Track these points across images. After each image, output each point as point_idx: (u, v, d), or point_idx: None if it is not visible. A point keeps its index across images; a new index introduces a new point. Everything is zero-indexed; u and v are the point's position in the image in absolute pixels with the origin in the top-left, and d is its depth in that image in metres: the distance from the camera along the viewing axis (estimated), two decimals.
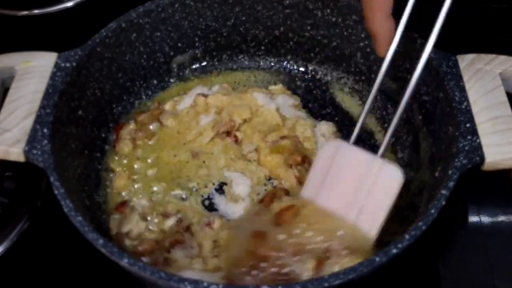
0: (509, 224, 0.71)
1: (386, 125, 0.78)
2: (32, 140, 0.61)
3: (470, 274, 0.67)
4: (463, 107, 0.63)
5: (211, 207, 0.70)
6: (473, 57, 0.67)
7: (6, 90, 0.66)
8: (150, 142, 0.75)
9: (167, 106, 0.79)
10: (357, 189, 0.62)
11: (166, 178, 0.72)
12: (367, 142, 0.77)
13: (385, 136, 0.63)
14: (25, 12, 0.94)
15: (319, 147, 0.72)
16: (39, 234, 0.69)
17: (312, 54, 0.84)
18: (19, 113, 0.63)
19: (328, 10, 0.77)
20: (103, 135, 0.76)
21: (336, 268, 0.58)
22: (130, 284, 0.63)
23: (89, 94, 0.72)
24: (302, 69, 0.86)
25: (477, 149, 0.60)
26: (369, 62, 0.78)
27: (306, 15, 0.79)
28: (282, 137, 0.73)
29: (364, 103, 0.81)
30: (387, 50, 0.63)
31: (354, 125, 0.78)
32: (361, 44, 0.77)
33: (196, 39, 0.82)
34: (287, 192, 0.69)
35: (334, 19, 0.77)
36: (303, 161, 0.71)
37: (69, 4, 0.95)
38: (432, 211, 0.55)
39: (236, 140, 0.74)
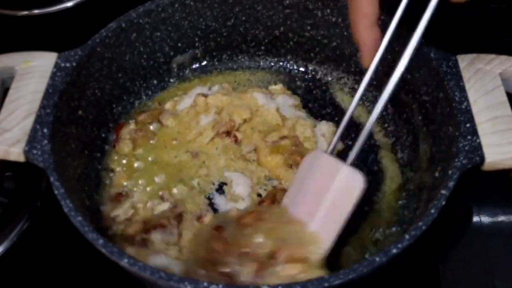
0: (509, 224, 0.71)
1: (386, 125, 0.78)
2: (32, 140, 0.61)
3: (470, 274, 0.67)
4: (463, 107, 0.63)
5: (211, 207, 0.70)
6: (473, 57, 0.67)
7: (6, 90, 0.66)
8: (150, 142, 0.75)
9: (167, 106, 0.79)
10: (323, 197, 0.62)
11: (167, 177, 0.72)
12: (366, 142, 0.77)
13: (356, 143, 0.62)
14: (25, 12, 0.94)
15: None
16: (39, 234, 0.69)
17: (312, 54, 0.84)
18: (19, 113, 0.63)
19: (328, 10, 0.77)
20: (103, 135, 0.76)
21: (275, 277, 0.58)
22: (130, 284, 0.63)
23: (89, 94, 0.72)
24: (302, 69, 0.86)
25: (477, 149, 0.60)
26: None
27: (306, 15, 0.79)
28: (282, 137, 0.73)
29: (364, 103, 0.81)
30: (371, 60, 0.61)
31: (354, 125, 0.79)
32: None
33: (196, 39, 0.82)
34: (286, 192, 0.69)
35: (334, 19, 0.77)
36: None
37: (69, 4, 0.95)
38: (432, 211, 0.55)
39: (236, 140, 0.74)
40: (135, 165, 0.73)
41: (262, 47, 0.85)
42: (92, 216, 0.68)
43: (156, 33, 0.78)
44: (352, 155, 0.62)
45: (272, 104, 0.77)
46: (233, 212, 0.68)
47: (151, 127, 0.77)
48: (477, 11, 0.95)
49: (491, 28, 0.92)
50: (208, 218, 0.68)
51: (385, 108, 0.78)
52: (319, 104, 0.82)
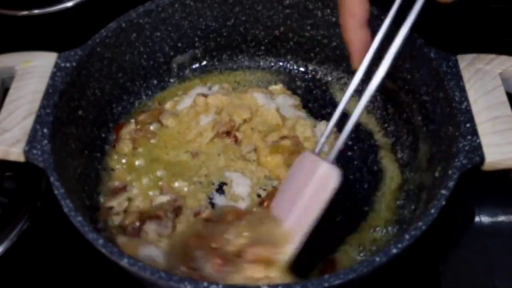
0: (509, 224, 0.71)
1: (386, 125, 0.78)
2: (32, 140, 0.61)
3: (470, 274, 0.67)
4: (463, 107, 0.63)
5: (211, 206, 0.70)
6: (473, 57, 0.67)
7: (6, 90, 0.66)
8: (150, 142, 0.75)
9: (167, 106, 0.79)
10: (300, 195, 0.62)
11: (168, 172, 0.73)
12: (366, 142, 0.77)
13: (339, 139, 0.62)
14: (25, 12, 0.94)
15: None
16: (39, 234, 0.69)
17: (312, 54, 0.84)
18: (19, 113, 0.63)
19: (328, 10, 0.77)
20: (103, 135, 0.76)
21: (238, 277, 0.58)
22: (130, 284, 0.63)
23: (89, 94, 0.72)
24: (302, 69, 0.86)
25: (477, 149, 0.60)
26: (369, 62, 0.78)
27: (306, 15, 0.79)
28: (282, 137, 0.73)
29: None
30: (360, 61, 0.60)
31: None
32: None
33: (196, 39, 0.82)
34: None
35: (334, 19, 0.77)
36: None
37: (69, 4, 0.95)
38: (432, 211, 0.55)
39: (236, 140, 0.74)
40: (136, 163, 0.73)
41: (262, 47, 0.85)
42: (92, 216, 0.68)
43: (156, 33, 0.78)
44: (334, 152, 0.61)
45: (272, 104, 0.77)
46: (227, 209, 0.68)
47: (151, 127, 0.77)
48: (477, 11, 0.95)
49: (491, 28, 0.92)
50: (205, 214, 0.68)
51: (386, 108, 0.79)
52: (319, 104, 0.82)
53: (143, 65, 0.79)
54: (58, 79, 0.66)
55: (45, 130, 0.61)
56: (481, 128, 0.61)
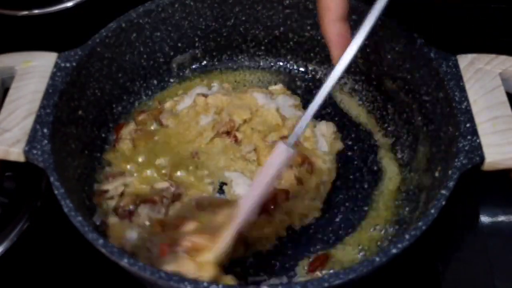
0: (509, 224, 0.71)
1: (386, 125, 0.78)
2: (32, 140, 0.61)
3: (470, 274, 0.67)
4: (463, 107, 0.63)
5: None
6: (473, 57, 0.67)
7: (6, 90, 0.66)
8: (150, 141, 0.75)
9: (167, 106, 0.79)
10: (255, 180, 0.61)
11: (170, 162, 0.73)
12: (366, 142, 0.77)
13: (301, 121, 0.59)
14: (25, 12, 0.94)
15: None
16: (39, 234, 0.69)
17: (312, 54, 0.84)
18: (19, 113, 0.63)
19: None
20: (103, 135, 0.76)
21: (170, 264, 0.57)
22: (130, 284, 0.63)
23: (89, 94, 0.72)
24: (302, 69, 0.86)
25: (477, 149, 0.60)
26: (369, 62, 0.78)
27: (306, 15, 0.79)
28: (282, 137, 0.73)
29: (364, 103, 0.81)
30: (338, 56, 0.58)
31: (354, 125, 0.79)
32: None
33: (196, 39, 0.82)
34: (287, 192, 0.69)
35: None
36: (303, 162, 0.71)
37: (69, 4, 0.95)
38: (432, 211, 0.55)
39: (236, 140, 0.74)
40: (138, 159, 0.74)
41: (262, 47, 0.85)
42: (92, 215, 0.68)
43: (156, 33, 0.78)
44: (294, 134, 0.59)
45: (272, 104, 0.77)
46: (215, 199, 0.68)
47: (151, 127, 0.77)
48: (477, 11, 0.95)
49: (491, 28, 0.92)
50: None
51: (386, 108, 0.79)
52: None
53: (143, 65, 0.79)
54: (58, 79, 0.66)
55: (45, 130, 0.61)
56: (481, 128, 0.61)
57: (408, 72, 0.73)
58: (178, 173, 0.71)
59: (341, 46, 0.58)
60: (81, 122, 0.70)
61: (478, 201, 0.72)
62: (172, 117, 0.77)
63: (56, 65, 0.67)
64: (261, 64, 0.86)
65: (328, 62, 0.84)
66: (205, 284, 0.50)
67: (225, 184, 0.72)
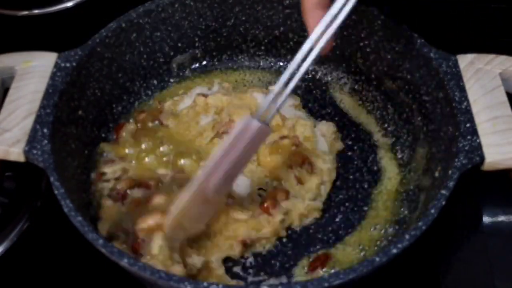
0: (509, 224, 0.71)
1: (386, 125, 0.78)
2: (32, 140, 0.61)
3: (470, 274, 0.67)
4: (463, 107, 0.63)
5: None
6: (473, 57, 0.67)
7: (6, 90, 0.66)
8: (149, 142, 0.75)
9: (167, 106, 0.79)
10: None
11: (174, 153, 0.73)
12: (366, 142, 0.77)
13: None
14: (25, 12, 0.94)
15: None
16: (39, 234, 0.69)
17: None
18: (19, 113, 0.63)
19: None
20: (103, 135, 0.76)
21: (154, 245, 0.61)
22: (130, 284, 0.63)
23: (89, 94, 0.72)
24: None
25: (477, 149, 0.60)
26: (369, 62, 0.78)
27: None
28: (282, 137, 0.73)
29: (364, 103, 0.81)
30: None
31: (354, 125, 0.79)
32: (361, 44, 0.77)
33: (196, 39, 0.82)
34: (287, 193, 0.69)
35: None
36: (303, 162, 0.71)
37: (69, 4, 0.95)
38: (432, 211, 0.55)
39: None
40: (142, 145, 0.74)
41: (262, 47, 0.85)
42: (92, 214, 0.68)
43: (156, 33, 0.78)
44: (272, 112, 0.60)
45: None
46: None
47: (151, 127, 0.77)
48: (477, 11, 0.95)
49: (491, 28, 0.92)
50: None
51: (386, 108, 0.79)
52: (319, 104, 0.82)
53: (143, 65, 0.79)
54: (58, 79, 0.66)
55: (45, 130, 0.61)
56: (481, 128, 0.61)
57: (408, 72, 0.73)
58: (182, 161, 0.71)
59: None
60: (81, 122, 0.70)
61: (480, 202, 0.72)
62: (172, 117, 0.77)
63: (56, 65, 0.67)
64: (261, 64, 0.86)
65: (328, 62, 0.84)
66: (205, 284, 0.50)
67: None
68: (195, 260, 0.63)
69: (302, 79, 0.61)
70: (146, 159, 0.72)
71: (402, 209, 0.70)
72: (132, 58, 0.77)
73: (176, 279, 0.51)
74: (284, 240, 0.68)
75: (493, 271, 0.66)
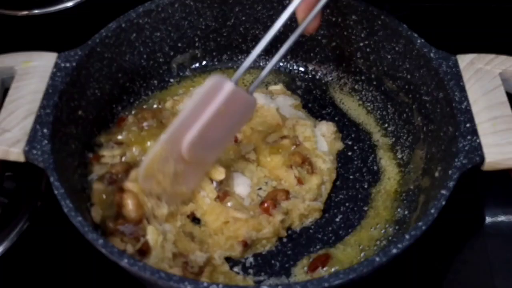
0: (509, 224, 0.71)
1: (386, 125, 0.78)
2: (32, 140, 0.61)
3: (470, 274, 0.67)
4: (463, 107, 0.63)
5: None
6: (473, 57, 0.67)
7: (6, 90, 0.66)
8: (150, 143, 0.75)
9: (168, 105, 0.79)
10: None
11: None
12: (366, 142, 0.77)
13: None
14: (25, 12, 0.94)
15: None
16: (39, 234, 0.69)
17: (312, 54, 0.84)
18: (19, 113, 0.63)
19: (328, 10, 0.77)
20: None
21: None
22: (130, 284, 0.63)
23: (89, 94, 0.72)
24: (302, 69, 0.86)
25: (477, 149, 0.60)
26: (369, 62, 0.78)
27: None
28: (282, 137, 0.73)
29: (364, 103, 0.81)
30: (303, 19, 0.64)
31: (354, 125, 0.79)
32: (361, 44, 0.77)
33: (196, 39, 0.82)
34: (287, 193, 0.69)
35: (334, 19, 0.77)
36: (303, 162, 0.71)
37: (69, 4, 0.95)
38: (432, 211, 0.55)
39: (236, 140, 0.74)
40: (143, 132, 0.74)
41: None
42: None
43: (156, 33, 0.78)
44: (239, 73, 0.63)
45: (272, 104, 0.77)
46: None
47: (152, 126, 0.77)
48: (477, 11, 0.95)
49: (491, 28, 0.92)
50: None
51: (386, 108, 0.79)
52: (319, 104, 0.82)
53: (143, 65, 0.79)
54: (58, 79, 0.66)
55: (45, 130, 0.61)
56: (481, 128, 0.61)
57: (408, 72, 0.73)
58: None
59: (305, 11, 0.64)
60: (81, 122, 0.70)
61: (483, 203, 0.72)
62: (172, 117, 0.77)
63: (56, 65, 0.67)
64: (261, 64, 0.86)
65: (328, 62, 0.84)
66: (205, 284, 0.50)
67: None
68: (198, 256, 0.63)
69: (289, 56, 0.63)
70: (148, 143, 0.72)
71: (402, 209, 0.70)
72: (132, 58, 0.77)
73: (176, 279, 0.51)
74: (284, 240, 0.68)
75: (493, 271, 0.66)
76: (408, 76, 0.73)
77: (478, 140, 0.60)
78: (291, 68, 0.86)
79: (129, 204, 0.64)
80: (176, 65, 0.83)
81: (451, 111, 0.63)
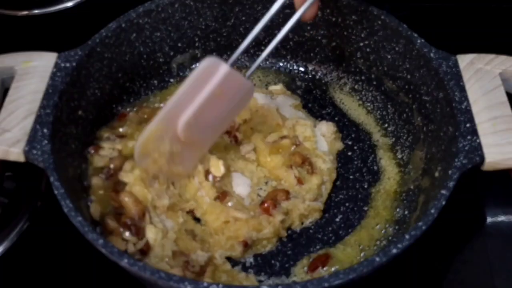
0: (509, 224, 0.71)
1: (386, 125, 0.78)
2: (32, 140, 0.61)
3: (470, 274, 0.67)
4: (463, 107, 0.63)
5: None
6: (473, 57, 0.67)
7: (6, 90, 0.66)
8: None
9: None
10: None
11: None
12: (366, 142, 0.77)
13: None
14: (25, 12, 0.94)
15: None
16: (39, 234, 0.69)
17: (312, 54, 0.84)
18: (19, 113, 0.63)
19: (328, 10, 0.77)
20: None
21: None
22: (130, 284, 0.63)
23: (89, 94, 0.72)
24: (302, 69, 0.86)
25: (477, 149, 0.60)
26: (369, 62, 0.78)
27: None
28: (282, 137, 0.73)
29: (364, 103, 0.81)
30: (301, 4, 0.64)
31: (354, 125, 0.79)
32: (361, 44, 0.77)
33: (196, 39, 0.82)
34: (287, 193, 0.69)
35: (334, 19, 0.77)
36: (303, 162, 0.71)
37: (69, 4, 0.95)
38: (432, 211, 0.55)
39: (236, 140, 0.74)
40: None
41: (262, 47, 0.85)
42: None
43: (156, 33, 0.78)
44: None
45: (272, 104, 0.77)
46: None
47: None
48: (477, 11, 0.95)
49: (491, 28, 0.92)
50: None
51: (386, 108, 0.79)
52: (319, 104, 0.82)
53: (143, 65, 0.79)
54: (58, 79, 0.66)
55: (45, 130, 0.61)
56: (481, 128, 0.61)
57: (408, 72, 0.73)
58: None
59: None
60: (81, 122, 0.70)
61: (484, 203, 0.72)
62: None
63: (56, 65, 0.67)
64: (261, 64, 0.86)
65: (328, 62, 0.84)
66: (205, 284, 0.50)
67: None
68: (199, 256, 0.63)
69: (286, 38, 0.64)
70: None
71: (402, 209, 0.70)
72: (132, 58, 0.77)
73: (176, 279, 0.51)
74: (284, 240, 0.68)
75: (493, 271, 0.66)
76: (408, 76, 0.73)
77: (478, 140, 0.60)
78: (291, 68, 0.86)
79: (128, 202, 0.65)
80: (176, 65, 0.83)
81: (451, 111, 0.63)
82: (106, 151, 0.71)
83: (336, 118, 0.80)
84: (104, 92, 0.74)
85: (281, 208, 0.68)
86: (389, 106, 0.78)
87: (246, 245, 0.66)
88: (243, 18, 0.81)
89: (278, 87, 0.82)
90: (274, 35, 0.82)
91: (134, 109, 0.78)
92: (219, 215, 0.67)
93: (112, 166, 0.69)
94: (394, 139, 0.77)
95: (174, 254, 0.63)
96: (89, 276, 0.66)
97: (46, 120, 0.62)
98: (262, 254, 0.67)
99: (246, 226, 0.66)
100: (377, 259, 0.52)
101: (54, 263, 0.68)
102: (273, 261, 0.66)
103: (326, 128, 0.76)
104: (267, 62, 0.86)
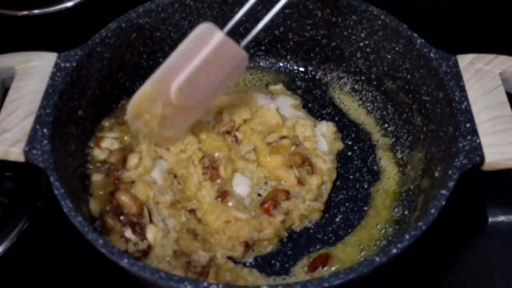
0: (509, 224, 0.71)
1: (386, 125, 0.78)
2: (32, 140, 0.61)
3: (470, 274, 0.67)
4: (463, 107, 0.63)
5: None
6: (473, 57, 0.67)
7: (6, 90, 0.66)
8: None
9: None
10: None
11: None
12: (366, 142, 0.77)
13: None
14: (25, 12, 0.94)
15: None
16: (39, 234, 0.69)
17: (312, 54, 0.84)
18: (19, 113, 0.63)
19: (328, 10, 0.77)
20: None
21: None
22: (130, 284, 0.63)
23: (89, 94, 0.71)
24: (302, 69, 0.86)
25: (477, 149, 0.60)
26: (369, 62, 0.78)
27: (306, 15, 0.79)
28: (282, 137, 0.73)
29: (364, 103, 0.81)
30: None
31: (354, 125, 0.79)
32: (361, 44, 0.77)
33: None
34: (287, 193, 0.69)
35: (334, 19, 0.77)
36: (303, 162, 0.71)
37: (69, 4, 0.95)
38: (432, 211, 0.55)
39: (236, 140, 0.74)
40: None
41: (262, 47, 0.85)
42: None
43: (156, 33, 0.78)
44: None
45: (272, 104, 0.77)
46: None
47: None
48: (477, 11, 0.95)
49: (491, 28, 0.92)
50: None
51: (386, 108, 0.79)
52: (319, 104, 0.82)
53: (143, 65, 0.79)
54: (58, 79, 0.66)
55: (45, 130, 0.61)
56: (481, 128, 0.61)
57: (408, 72, 0.73)
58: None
59: None
60: (81, 122, 0.70)
61: (484, 203, 0.72)
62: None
63: (56, 65, 0.67)
64: (261, 64, 0.86)
65: (328, 62, 0.84)
66: (205, 284, 0.50)
67: None
68: (201, 256, 0.63)
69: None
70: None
71: (402, 209, 0.70)
72: (132, 58, 0.77)
73: (176, 279, 0.51)
74: (284, 240, 0.68)
75: (493, 271, 0.66)
76: (408, 76, 0.73)
77: (478, 140, 0.60)
78: (291, 68, 0.86)
79: (125, 200, 0.65)
80: None
81: (451, 111, 0.63)
82: (107, 142, 0.71)
83: (336, 118, 0.80)
84: (104, 92, 0.74)
85: (281, 208, 0.68)
86: (389, 106, 0.78)
87: (247, 246, 0.66)
88: (243, 18, 0.81)
89: (278, 87, 0.82)
90: (274, 35, 0.83)
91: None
92: (220, 214, 0.67)
93: (112, 160, 0.69)
94: (394, 139, 0.77)
95: (176, 254, 0.63)
96: (89, 276, 0.66)
97: (46, 120, 0.62)
98: (262, 254, 0.67)
99: (247, 227, 0.66)
100: (377, 259, 0.52)
101: (54, 263, 0.68)
102: (273, 261, 0.66)
103: (326, 128, 0.76)
104: (267, 62, 0.86)
